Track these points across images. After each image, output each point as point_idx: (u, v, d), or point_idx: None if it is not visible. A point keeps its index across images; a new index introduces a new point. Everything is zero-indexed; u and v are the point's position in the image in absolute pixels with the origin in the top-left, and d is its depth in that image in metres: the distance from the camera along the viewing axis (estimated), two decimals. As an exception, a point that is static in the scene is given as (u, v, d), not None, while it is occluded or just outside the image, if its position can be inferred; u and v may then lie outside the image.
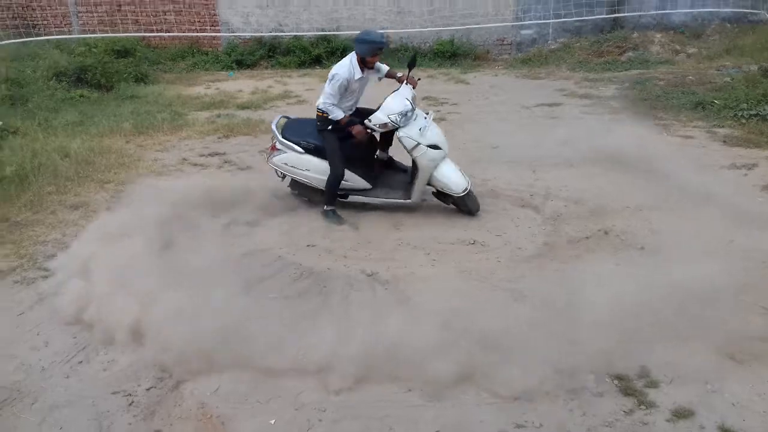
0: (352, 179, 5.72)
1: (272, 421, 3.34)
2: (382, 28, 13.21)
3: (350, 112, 5.76)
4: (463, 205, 5.68)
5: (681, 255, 4.75)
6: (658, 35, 12.67)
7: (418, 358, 3.70)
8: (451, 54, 13.10)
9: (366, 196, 5.83)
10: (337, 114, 5.56)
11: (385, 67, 5.82)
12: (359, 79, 5.59)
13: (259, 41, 13.90)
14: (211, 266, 4.71)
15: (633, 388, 3.48)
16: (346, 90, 5.57)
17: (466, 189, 5.53)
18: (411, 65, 5.66)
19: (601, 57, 12.47)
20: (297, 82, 12.04)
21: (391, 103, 5.48)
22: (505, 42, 13.43)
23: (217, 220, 5.62)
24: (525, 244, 5.18)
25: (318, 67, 13.30)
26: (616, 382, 3.53)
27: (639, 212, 5.57)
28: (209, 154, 7.76)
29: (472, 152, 7.34)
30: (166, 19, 14.03)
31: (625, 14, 12.97)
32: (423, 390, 3.52)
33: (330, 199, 5.73)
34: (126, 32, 13.43)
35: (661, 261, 4.73)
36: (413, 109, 5.50)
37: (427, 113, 5.73)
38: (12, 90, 9.80)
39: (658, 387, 3.48)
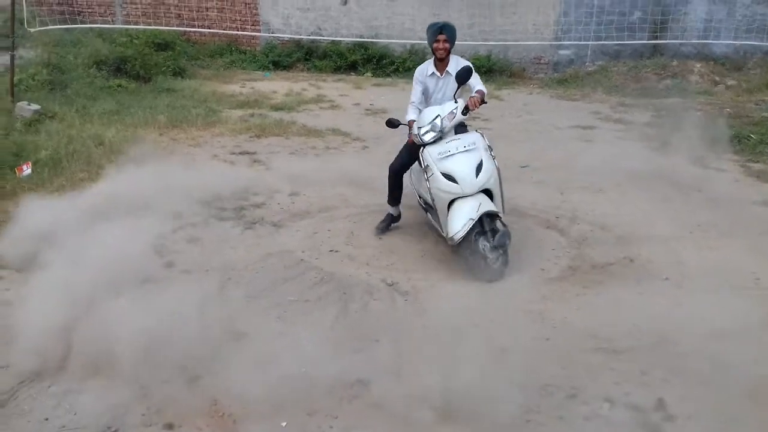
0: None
1: (283, 424, 3.35)
2: (420, 39, 13.25)
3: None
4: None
5: (706, 288, 4.69)
6: (698, 65, 12.53)
7: (428, 372, 3.70)
8: (487, 69, 13.10)
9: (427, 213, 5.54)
10: (409, 114, 5.38)
11: (475, 86, 5.20)
12: (432, 76, 5.30)
13: (297, 43, 14.03)
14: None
15: (649, 420, 3.42)
16: (425, 91, 5.36)
17: (452, 238, 4.86)
18: (459, 79, 5.07)
19: (639, 83, 12.37)
20: (331, 86, 12.14)
21: (423, 115, 5.17)
22: (542, 61, 13.39)
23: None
24: (548, 266, 5.14)
25: (353, 73, 13.39)
26: (631, 412, 3.48)
27: (666, 242, 5.51)
28: (240, 153, 7.85)
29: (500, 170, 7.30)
30: (207, 15, 14.23)
31: (667, 41, 12.85)
32: (437, 405, 3.50)
33: (388, 196, 5.65)
34: (168, 26, 13.64)
35: (684, 293, 4.68)
36: (441, 129, 5.03)
37: (468, 145, 4.99)
38: (53, 75, 10.03)
39: (674, 421, 3.42)
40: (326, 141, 8.54)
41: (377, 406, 3.49)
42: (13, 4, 8.43)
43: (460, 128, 5.25)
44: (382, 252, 5.34)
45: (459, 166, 4.88)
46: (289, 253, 5.26)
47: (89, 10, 14.48)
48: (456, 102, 5.11)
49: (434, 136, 5.04)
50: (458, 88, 5.14)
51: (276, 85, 11.91)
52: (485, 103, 5.20)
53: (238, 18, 14.15)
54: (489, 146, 5.05)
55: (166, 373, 3.67)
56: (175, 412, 3.39)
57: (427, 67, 5.30)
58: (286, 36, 14.05)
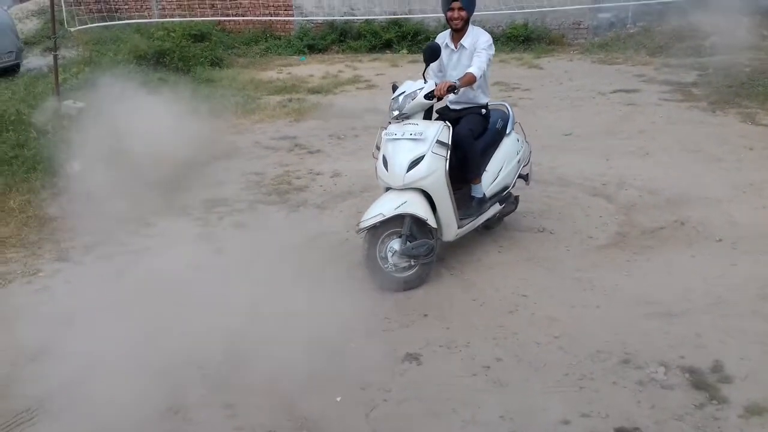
0: None
1: (338, 399, 3.41)
2: (454, 12, 13.09)
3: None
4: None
5: (760, 249, 4.57)
6: (745, 19, 12.05)
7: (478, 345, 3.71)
8: (525, 38, 12.87)
9: None
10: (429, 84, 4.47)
11: (470, 66, 4.51)
12: (446, 48, 4.69)
13: (331, 25, 14.01)
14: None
15: (705, 382, 3.36)
16: (440, 64, 4.75)
17: (358, 225, 4.38)
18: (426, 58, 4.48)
19: (683, 42, 11.96)
20: (367, 66, 12.10)
21: (401, 87, 4.52)
22: (581, 26, 13.08)
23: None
24: (596, 233, 5.07)
25: (388, 51, 13.31)
26: (687, 375, 3.42)
27: (717, 203, 5.36)
28: (281, 138, 7.92)
29: (543, 139, 7.20)
30: (241, 3, 14.31)
31: (711, -4, 12.39)
32: (488, 375, 3.51)
33: None
34: (203, 17, 13.78)
35: (738, 254, 4.57)
36: (398, 107, 4.41)
37: (417, 133, 4.30)
38: (95, 73, 10.22)
39: (731, 382, 3.35)
40: (365, 121, 8.53)
41: (428, 380, 3.52)
42: (52, 5, 8.63)
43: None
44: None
45: (394, 154, 4.32)
46: (335, 234, 5.31)
47: (125, 6, 14.73)
48: (425, 82, 4.41)
49: (393, 115, 4.44)
50: (430, 61, 4.49)
51: (312, 69, 11.94)
52: (455, 92, 4.39)
53: (271, 4, 14.20)
54: (447, 142, 4.35)
55: (222, 354, 3.77)
56: (233, 391, 3.47)
57: (444, 37, 4.73)
58: (320, 18, 14.05)
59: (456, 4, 4.55)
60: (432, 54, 4.45)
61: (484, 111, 4.81)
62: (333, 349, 3.77)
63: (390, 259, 4.35)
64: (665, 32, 12.35)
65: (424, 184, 4.29)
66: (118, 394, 3.49)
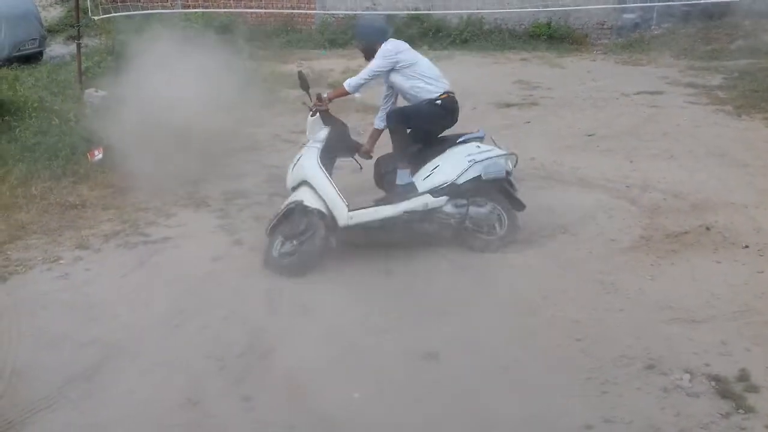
0: None
1: (356, 395, 3.38)
2: (477, 9, 13.01)
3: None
4: None
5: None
6: (772, 22, 11.89)
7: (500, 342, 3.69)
8: (548, 37, 12.75)
9: None
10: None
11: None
12: None
13: (352, 20, 13.96)
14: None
15: (731, 390, 3.30)
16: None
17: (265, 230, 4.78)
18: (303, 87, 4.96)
19: (709, 45, 11.81)
20: (388, 62, 12.04)
21: None
22: (605, 26, 12.94)
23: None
24: (619, 236, 4.99)
25: (410, 47, 13.25)
26: (712, 383, 3.36)
27: (744, 209, 5.27)
28: (300, 132, 7.88)
29: (565, 139, 7.15)
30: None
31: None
32: (507, 376, 3.47)
33: None
34: (225, 8, 13.78)
35: (765, 261, 4.50)
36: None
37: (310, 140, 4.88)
38: (118, 62, 10.26)
39: (758, 392, 3.29)
40: (385, 116, 8.49)
41: (446, 378, 3.49)
42: (77, -7, 8.67)
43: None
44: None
45: (298, 161, 4.85)
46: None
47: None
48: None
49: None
50: (305, 88, 4.96)
51: (332, 63, 11.89)
52: (322, 101, 4.80)
53: (293, -1, 14.18)
54: (321, 144, 4.81)
55: (241, 347, 3.76)
56: (252, 384, 3.46)
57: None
58: (341, 13, 14.00)
59: (355, 41, 4.94)
60: (302, 81, 4.94)
61: (438, 102, 4.81)
62: (351, 346, 3.75)
63: (276, 247, 4.68)
64: (691, 34, 12.20)
65: (302, 176, 4.74)
66: (137, 384, 3.50)
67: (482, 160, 4.75)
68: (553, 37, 12.80)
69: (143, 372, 3.59)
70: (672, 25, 12.57)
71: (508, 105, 8.71)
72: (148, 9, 13.47)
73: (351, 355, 3.71)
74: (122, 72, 9.55)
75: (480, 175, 4.73)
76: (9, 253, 4.88)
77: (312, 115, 4.85)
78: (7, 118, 7.13)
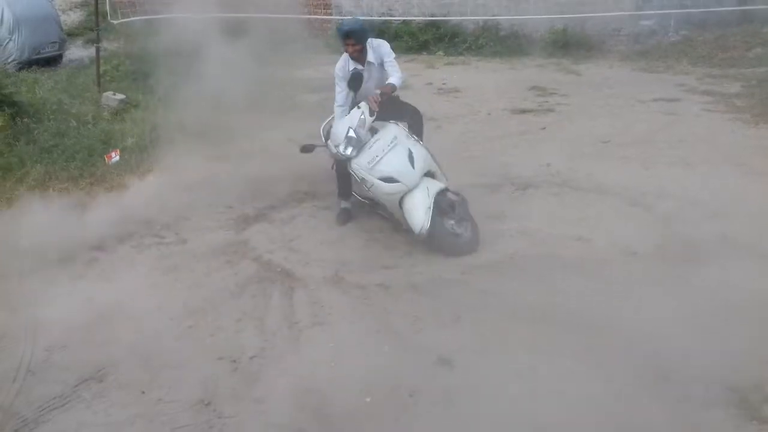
0: None
1: (367, 399, 3.38)
2: (494, 15, 13.01)
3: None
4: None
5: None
6: (789, 30, 11.78)
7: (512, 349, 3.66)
8: (564, 43, 12.71)
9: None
10: (338, 122, 5.24)
11: (389, 75, 5.15)
12: (354, 70, 5.15)
13: (369, 25, 13.99)
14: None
15: (747, 401, 3.27)
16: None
17: (421, 231, 4.72)
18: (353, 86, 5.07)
19: (726, 52, 11.71)
20: (403, 67, 11.81)
21: (335, 131, 5.07)
22: (621, 33, 12.88)
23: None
24: (634, 243, 4.94)
25: (425, 52, 13.26)
26: (729, 394, 3.32)
27: (761, 218, 5.20)
28: (317, 136, 7.90)
29: (580, 146, 7.11)
30: (279, 1, 14.37)
31: (757, 6, 12.11)
32: (520, 383, 3.45)
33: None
34: (243, 12, 13.86)
35: (785, 271, 4.43)
36: (357, 139, 4.88)
37: (391, 141, 4.91)
38: (135, 65, 10.36)
39: (774, 404, 3.26)
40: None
41: (460, 384, 3.47)
42: (96, -3, 8.78)
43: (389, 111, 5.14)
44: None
45: (394, 166, 4.80)
46: (367, 233, 5.29)
47: (167, 1, 14.88)
48: (359, 107, 4.98)
49: (354, 150, 4.91)
50: (357, 88, 5.07)
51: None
52: (391, 93, 5.04)
53: (311, 2, 14.25)
54: (407, 132, 5.08)
55: (253, 349, 3.78)
56: (264, 387, 3.47)
57: (346, 63, 5.20)
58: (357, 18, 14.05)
59: (350, 41, 5.04)
60: (358, 82, 5.05)
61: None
62: (364, 352, 3.75)
63: (459, 230, 4.88)
64: (708, 41, 12.11)
65: (427, 167, 4.92)
66: (149, 384, 3.52)
67: None
68: (569, 43, 12.75)
69: (156, 372, 3.62)
70: (689, 33, 12.49)
71: (524, 111, 8.69)
72: (166, 13, 13.60)
73: (366, 360, 3.71)
74: (140, 78, 9.72)
75: None
76: (26, 252, 4.93)
77: (372, 114, 4.92)
78: (26, 119, 7.23)
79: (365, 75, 5.15)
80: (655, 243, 4.94)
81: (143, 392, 3.45)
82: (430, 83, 10.74)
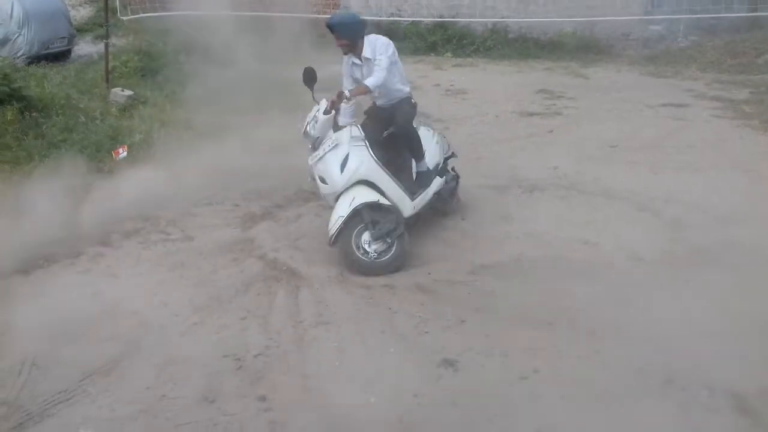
0: None
1: (372, 400, 3.38)
2: (503, 17, 12.99)
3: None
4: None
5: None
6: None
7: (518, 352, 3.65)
8: (572, 47, 12.69)
9: None
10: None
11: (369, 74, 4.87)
12: (354, 65, 5.04)
13: (377, 26, 13.99)
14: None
15: (751, 407, 3.25)
16: (357, 81, 5.04)
17: (328, 239, 4.66)
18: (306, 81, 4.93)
19: (736, 58, 11.67)
20: (411, 68, 12.02)
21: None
22: (630, 37, 12.85)
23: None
24: (641, 248, 4.93)
25: (433, 54, 13.25)
26: (732, 399, 3.31)
27: (769, 224, 5.20)
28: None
29: (588, 150, 7.10)
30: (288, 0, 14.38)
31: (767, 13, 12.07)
32: (525, 386, 3.45)
33: None
34: (252, 11, 13.88)
35: (793, 278, 4.41)
36: (310, 135, 4.77)
37: (332, 142, 4.73)
38: (144, 62, 10.39)
39: (778, 410, 3.24)
40: (408, 122, 8.49)
41: (464, 387, 3.47)
42: (106, -6, 8.80)
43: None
44: (462, 235, 5.29)
45: (325, 167, 4.72)
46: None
47: (177, -2, 14.93)
48: (318, 104, 4.84)
49: (310, 145, 4.83)
50: (310, 84, 4.91)
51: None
52: (347, 99, 4.74)
53: (319, 2, 14.25)
54: (360, 136, 4.77)
55: (258, 348, 3.78)
56: (268, 385, 3.47)
57: (349, 58, 5.05)
58: (366, 18, 14.04)
59: (335, 35, 4.94)
60: (310, 77, 4.91)
61: (413, 100, 5.21)
62: (368, 352, 3.75)
63: (369, 249, 4.68)
64: (717, 47, 12.07)
65: (361, 175, 4.71)
66: (154, 380, 3.53)
67: (441, 141, 5.54)
68: (577, 47, 12.73)
69: (161, 368, 3.62)
70: (698, 38, 12.45)
71: (531, 114, 8.68)
72: (175, 10, 13.64)
73: (370, 360, 3.71)
74: (148, 75, 9.75)
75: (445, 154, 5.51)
76: (33, 247, 4.94)
77: (326, 113, 4.71)
78: (34, 114, 7.25)
79: (364, 70, 4.94)
80: (662, 248, 4.94)
81: (148, 388, 3.46)
82: (438, 84, 10.74)
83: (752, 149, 6.93)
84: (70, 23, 12.25)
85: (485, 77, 11.22)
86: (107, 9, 8.98)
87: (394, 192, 4.83)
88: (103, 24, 9.18)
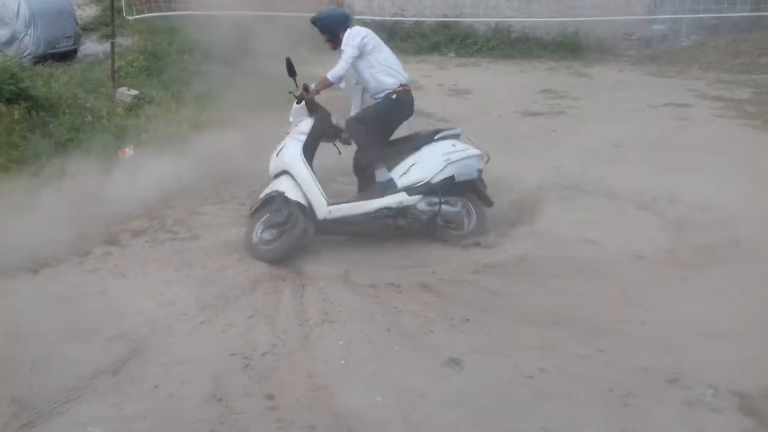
0: None
1: (378, 399, 3.41)
2: (505, 17, 13.00)
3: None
4: None
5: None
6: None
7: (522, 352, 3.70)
8: (575, 47, 12.72)
9: None
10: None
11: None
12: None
13: (380, 25, 14.00)
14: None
15: (755, 407, 3.27)
16: None
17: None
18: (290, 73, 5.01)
19: (738, 58, 11.69)
20: (414, 68, 12.02)
21: None
22: (633, 37, 12.87)
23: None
24: (644, 248, 4.96)
25: (436, 53, 13.28)
26: (736, 399, 3.33)
27: (772, 224, 5.21)
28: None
29: (591, 149, 7.10)
30: (293, -1, 14.40)
31: (769, 13, 12.09)
32: (530, 386, 3.48)
33: None
34: (256, 10, 13.90)
35: (795, 278, 4.43)
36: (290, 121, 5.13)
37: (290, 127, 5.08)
38: (149, 61, 10.43)
39: (782, 410, 3.27)
40: (410, 123, 8.48)
41: (469, 386, 3.50)
42: (112, -7, 8.84)
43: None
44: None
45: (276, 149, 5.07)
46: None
47: (181, -3, 14.95)
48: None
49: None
50: (291, 74, 4.97)
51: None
52: (309, 92, 4.93)
53: (323, 1, 14.26)
54: (306, 129, 4.98)
55: (265, 346, 3.81)
56: (275, 383, 3.50)
57: (339, 52, 5.11)
58: (368, 18, 14.06)
59: (320, 31, 5.10)
60: (291, 68, 4.97)
61: (394, 96, 5.06)
62: (374, 351, 3.78)
63: (258, 234, 4.87)
64: (720, 47, 12.09)
65: (284, 165, 4.91)
66: (162, 379, 3.55)
67: (457, 161, 5.01)
68: (580, 46, 12.77)
69: (168, 367, 3.65)
70: (701, 38, 12.47)
71: (534, 114, 8.70)
72: (180, 10, 13.66)
73: (376, 359, 3.73)
74: (154, 74, 9.78)
75: (454, 176, 5.00)
76: (40, 246, 4.97)
77: (297, 103, 5.00)
78: (41, 113, 7.29)
79: None
80: (665, 247, 4.96)
81: (156, 387, 3.49)
82: (441, 84, 10.76)
83: (755, 149, 6.96)
84: (76, 23, 12.28)
85: (488, 77, 11.24)
86: (113, 8, 9.03)
87: (310, 191, 4.87)
88: (108, 23, 9.23)
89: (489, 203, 5.17)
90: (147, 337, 3.91)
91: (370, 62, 4.97)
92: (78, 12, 13.50)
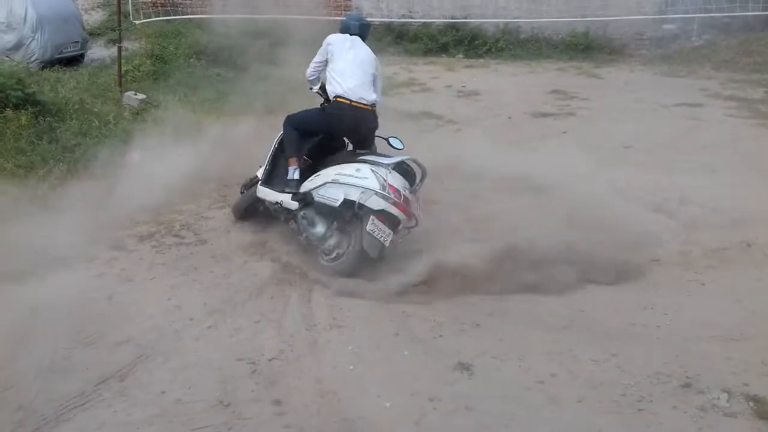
0: None
1: (387, 404, 3.37)
2: (514, 17, 12.95)
3: None
4: None
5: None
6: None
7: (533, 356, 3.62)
8: (585, 47, 12.64)
9: None
10: None
11: None
12: None
13: (388, 27, 14.00)
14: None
15: (771, 413, 3.22)
16: None
17: None
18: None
19: (750, 57, 11.59)
20: (422, 69, 12.04)
21: None
22: (644, 37, 12.78)
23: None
24: (656, 250, 4.90)
25: (444, 55, 13.24)
26: (751, 403, 3.27)
27: (787, 225, 5.14)
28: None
29: (602, 150, 7.05)
30: (300, 2, 14.41)
31: (782, 11, 11.96)
32: (542, 390, 3.43)
33: None
34: (264, 14, 13.92)
35: (809, 281, 4.36)
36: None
37: None
38: (156, 66, 10.44)
39: (799, 415, 3.20)
40: (419, 125, 8.46)
41: (480, 391, 3.45)
42: (119, -2, 8.85)
43: None
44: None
45: None
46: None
47: (188, 1, 14.98)
48: None
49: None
50: None
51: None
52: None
53: (331, 4, 14.27)
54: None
55: (272, 351, 3.78)
56: (283, 389, 3.47)
57: None
58: (377, 20, 14.05)
59: None
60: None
61: (323, 105, 5.26)
62: (383, 355, 3.74)
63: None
64: (732, 46, 11.98)
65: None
66: (169, 384, 3.53)
67: (343, 184, 4.62)
68: (590, 47, 12.69)
69: (176, 372, 3.62)
70: (713, 37, 12.37)
71: (544, 115, 8.64)
72: (187, 14, 13.69)
73: (385, 363, 3.69)
74: (161, 79, 9.78)
75: (345, 199, 4.56)
76: (47, 251, 4.96)
77: None
78: (48, 118, 7.29)
79: None
80: (678, 249, 4.90)
81: (163, 392, 3.46)
82: (450, 86, 10.72)
83: (766, 149, 6.86)
84: (83, 27, 12.32)
85: (497, 78, 11.19)
86: (120, 13, 9.03)
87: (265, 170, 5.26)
88: (115, 28, 9.23)
89: (371, 253, 4.52)
90: (154, 342, 3.88)
91: (329, 69, 5.11)
92: (85, 17, 13.56)
